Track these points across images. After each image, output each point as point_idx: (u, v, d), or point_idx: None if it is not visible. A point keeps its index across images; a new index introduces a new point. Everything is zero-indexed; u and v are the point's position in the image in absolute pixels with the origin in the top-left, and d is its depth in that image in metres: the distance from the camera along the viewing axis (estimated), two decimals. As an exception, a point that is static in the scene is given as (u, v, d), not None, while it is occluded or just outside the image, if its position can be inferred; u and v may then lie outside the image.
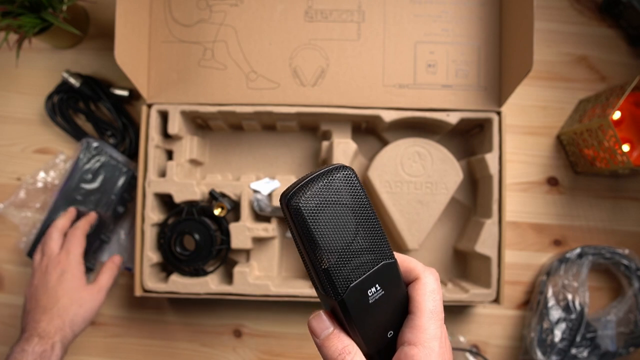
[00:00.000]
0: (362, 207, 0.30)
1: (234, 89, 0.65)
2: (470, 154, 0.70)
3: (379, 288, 0.31)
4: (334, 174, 0.29)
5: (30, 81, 0.74)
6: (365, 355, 0.31)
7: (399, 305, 0.32)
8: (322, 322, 0.32)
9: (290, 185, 0.29)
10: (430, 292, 0.32)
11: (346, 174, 0.30)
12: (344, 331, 0.31)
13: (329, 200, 0.29)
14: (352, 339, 0.31)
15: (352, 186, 0.30)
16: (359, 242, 0.30)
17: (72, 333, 0.58)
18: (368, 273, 0.30)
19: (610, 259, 0.67)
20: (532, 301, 0.69)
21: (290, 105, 0.64)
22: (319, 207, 0.29)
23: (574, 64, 0.73)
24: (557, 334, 0.65)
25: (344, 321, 0.31)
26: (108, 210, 0.69)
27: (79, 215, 0.67)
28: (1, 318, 0.73)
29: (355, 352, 0.31)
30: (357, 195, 0.30)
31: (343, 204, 0.29)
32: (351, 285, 0.30)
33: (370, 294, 0.30)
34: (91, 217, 0.66)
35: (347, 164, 0.63)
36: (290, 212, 0.29)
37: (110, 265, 0.65)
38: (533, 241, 0.71)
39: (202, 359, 0.72)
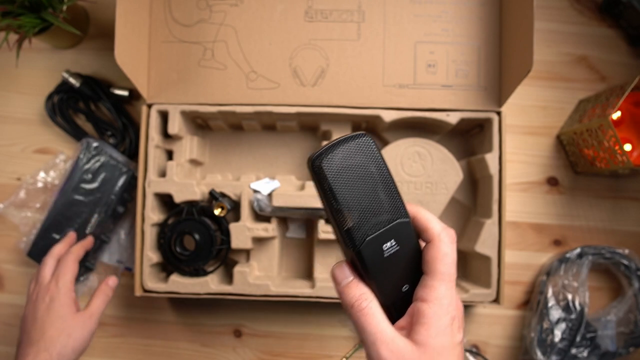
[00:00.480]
0: (380, 169, 0.33)
1: (234, 89, 0.65)
2: (470, 154, 0.70)
3: (394, 243, 0.34)
4: (354, 139, 0.33)
5: (30, 81, 0.74)
6: (380, 303, 0.34)
7: (413, 261, 0.35)
8: (343, 272, 0.35)
9: (316, 150, 0.33)
10: (442, 256, 0.33)
11: (365, 140, 0.33)
12: (363, 281, 0.34)
13: (349, 163, 0.32)
14: (369, 288, 0.34)
15: (371, 151, 0.33)
16: (377, 202, 0.33)
17: None
18: (384, 229, 0.33)
19: (610, 259, 0.67)
20: (532, 301, 0.69)
21: (290, 105, 0.64)
22: (340, 168, 0.32)
23: (574, 64, 0.73)
24: (557, 334, 0.65)
25: (362, 272, 0.34)
26: (108, 211, 0.68)
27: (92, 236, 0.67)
28: (1, 318, 0.73)
29: (371, 300, 0.33)
30: (375, 159, 0.33)
31: (362, 166, 0.33)
32: (367, 238, 0.33)
33: (385, 248, 0.34)
34: (87, 242, 0.65)
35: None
36: (314, 172, 0.32)
37: (104, 288, 0.61)
38: (533, 241, 0.71)
39: (202, 359, 0.72)
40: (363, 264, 0.34)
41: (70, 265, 0.60)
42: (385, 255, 0.34)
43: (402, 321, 0.34)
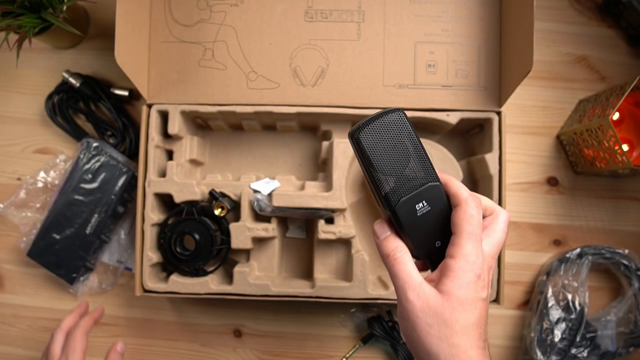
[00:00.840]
0: (411, 139, 0.38)
1: (234, 89, 0.65)
2: (470, 154, 0.70)
3: (425, 204, 0.39)
4: (388, 114, 0.38)
5: (30, 81, 0.74)
6: (415, 257, 0.40)
7: (444, 219, 0.39)
8: (382, 227, 0.40)
9: (355, 124, 0.38)
10: (469, 218, 0.37)
11: (398, 114, 0.38)
12: (399, 236, 0.39)
13: (383, 135, 0.38)
14: (404, 242, 0.39)
15: (403, 124, 0.38)
16: (409, 167, 0.38)
17: None
18: (416, 191, 0.38)
19: (610, 259, 0.67)
20: (532, 301, 0.69)
21: (290, 105, 0.64)
22: (375, 139, 0.38)
23: (574, 64, 0.73)
24: (557, 334, 0.65)
25: (397, 228, 0.39)
26: (108, 211, 0.68)
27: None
28: (1, 318, 0.73)
29: (404, 251, 0.38)
30: (407, 130, 0.38)
31: (395, 137, 0.38)
32: (401, 199, 0.38)
33: (418, 208, 0.39)
34: (97, 314, 0.63)
35: (346, 164, 0.63)
36: (353, 143, 0.38)
37: (113, 356, 0.60)
38: (533, 241, 0.71)
39: (202, 359, 0.72)
40: (398, 222, 0.39)
41: (79, 339, 0.58)
42: (418, 214, 0.39)
43: (432, 275, 0.38)
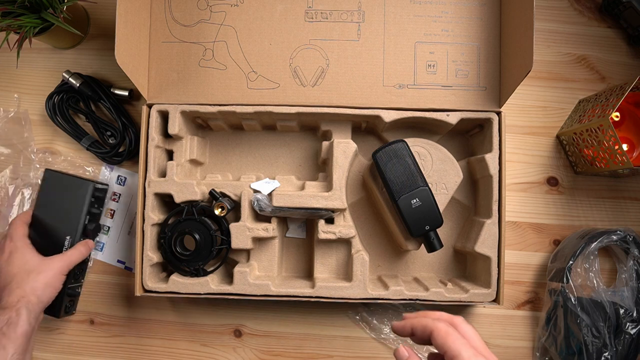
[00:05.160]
0: (411, 159, 0.59)
1: (234, 89, 0.65)
2: (470, 154, 0.70)
3: (417, 200, 0.59)
4: (395, 143, 0.60)
5: (30, 81, 0.74)
6: (412, 235, 0.60)
7: (431, 211, 0.59)
8: (403, 352, 0.42)
9: (375, 148, 0.60)
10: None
11: (403, 143, 0.60)
12: (401, 223, 0.61)
13: (391, 155, 0.59)
14: (404, 226, 0.60)
15: (405, 149, 0.59)
16: (407, 177, 0.59)
17: (36, 298, 0.58)
18: (411, 192, 0.59)
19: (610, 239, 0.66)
20: (546, 299, 0.69)
21: (290, 105, 0.64)
22: (387, 158, 0.59)
23: (574, 64, 0.73)
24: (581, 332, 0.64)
25: (399, 215, 0.60)
26: (79, 230, 0.67)
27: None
28: (1, 318, 0.73)
29: None
30: (408, 153, 0.59)
31: (399, 158, 0.59)
32: (401, 196, 0.59)
33: (413, 202, 0.59)
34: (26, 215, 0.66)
35: (346, 164, 0.63)
36: (374, 160, 0.60)
37: (83, 244, 0.65)
38: (533, 241, 0.71)
39: (202, 359, 0.72)
40: (399, 211, 0.59)
41: (19, 224, 0.64)
42: (413, 207, 0.59)
43: None
